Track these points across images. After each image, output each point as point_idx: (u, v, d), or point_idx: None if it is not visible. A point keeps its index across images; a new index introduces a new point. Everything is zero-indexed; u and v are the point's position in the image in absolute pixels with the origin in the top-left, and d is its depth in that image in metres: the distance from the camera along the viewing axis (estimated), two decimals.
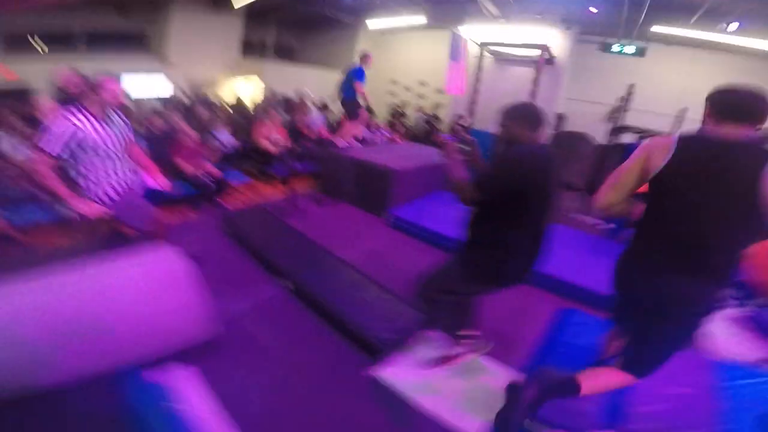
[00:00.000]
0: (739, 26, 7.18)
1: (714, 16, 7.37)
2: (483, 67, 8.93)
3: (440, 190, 5.97)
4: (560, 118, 10.24)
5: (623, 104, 8.30)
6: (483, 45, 8.92)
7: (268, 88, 9.17)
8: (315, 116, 8.16)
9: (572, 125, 10.47)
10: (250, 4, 7.45)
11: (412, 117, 11.62)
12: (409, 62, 12.59)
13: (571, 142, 10.12)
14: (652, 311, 1.56)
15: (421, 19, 10.55)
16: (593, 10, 8.12)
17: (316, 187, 5.77)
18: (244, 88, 11.11)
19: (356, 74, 5.94)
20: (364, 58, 6.05)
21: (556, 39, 9.08)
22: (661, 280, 1.53)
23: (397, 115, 11.42)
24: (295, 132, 6.65)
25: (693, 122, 6.85)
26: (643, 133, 7.68)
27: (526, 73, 8.51)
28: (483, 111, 9.03)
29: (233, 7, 7.31)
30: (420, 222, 4.49)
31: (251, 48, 13.03)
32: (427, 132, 10.17)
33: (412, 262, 3.28)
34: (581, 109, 10.15)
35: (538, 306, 3.30)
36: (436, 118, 10.74)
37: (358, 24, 12.14)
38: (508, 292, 2.07)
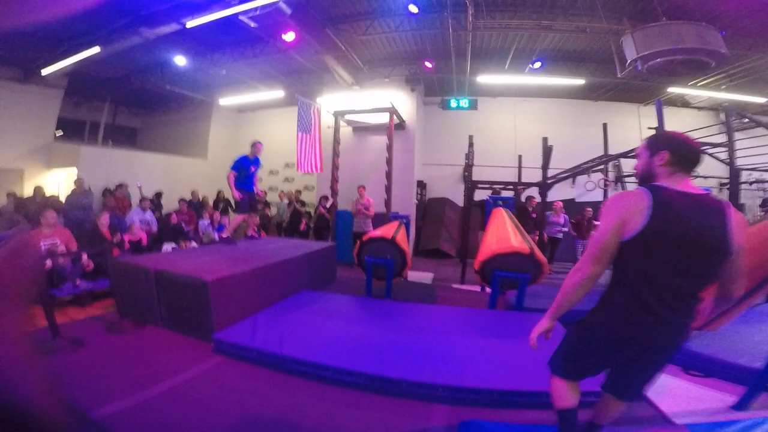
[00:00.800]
0: (541, 65, 8.03)
1: (522, 59, 8.32)
2: (340, 139, 8.62)
3: (309, 289, 5.06)
4: (421, 185, 10.35)
5: (469, 160, 8.65)
6: (337, 114, 8.71)
7: (80, 179, 7.41)
8: (138, 214, 6.77)
9: (433, 191, 10.72)
10: (76, 75, 6.08)
11: (278, 205, 10.51)
12: (273, 143, 11.98)
13: (438, 209, 10.28)
14: (653, 349, 1.67)
15: (278, 94, 10.16)
16: (428, 65, 8.54)
17: (113, 308, 4.28)
18: (60, 180, 9.05)
19: (237, 164, 5.62)
20: (253, 146, 5.76)
21: (403, 102, 9.37)
22: (669, 324, 1.62)
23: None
24: (95, 236, 5.14)
25: (527, 170, 7.11)
26: (494, 187, 7.97)
27: (383, 141, 8.43)
28: (346, 188, 8.57)
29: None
30: (257, 344, 3.31)
31: (77, 129, 11.09)
32: (293, 220, 9.19)
33: (237, 404, 2.51)
34: (438, 173, 10.47)
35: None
36: (301, 203, 9.92)
37: (211, 102, 11.23)
38: None
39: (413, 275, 6.87)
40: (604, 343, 1.74)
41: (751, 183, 8.61)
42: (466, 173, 8.93)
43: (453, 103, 9.73)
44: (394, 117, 8.35)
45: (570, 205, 8.78)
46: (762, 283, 2.45)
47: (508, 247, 4.30)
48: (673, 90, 9.18)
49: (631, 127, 9.69)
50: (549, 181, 7.26)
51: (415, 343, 3.39)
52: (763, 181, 8.65)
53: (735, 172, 7.21)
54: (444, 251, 9.61)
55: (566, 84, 9.05)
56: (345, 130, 9.28)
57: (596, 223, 7.96)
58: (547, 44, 8.12)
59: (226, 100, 11.04)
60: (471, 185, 7.49)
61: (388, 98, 8.87)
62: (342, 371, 2.91)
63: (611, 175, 8.84)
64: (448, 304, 5.00)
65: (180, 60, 8.14)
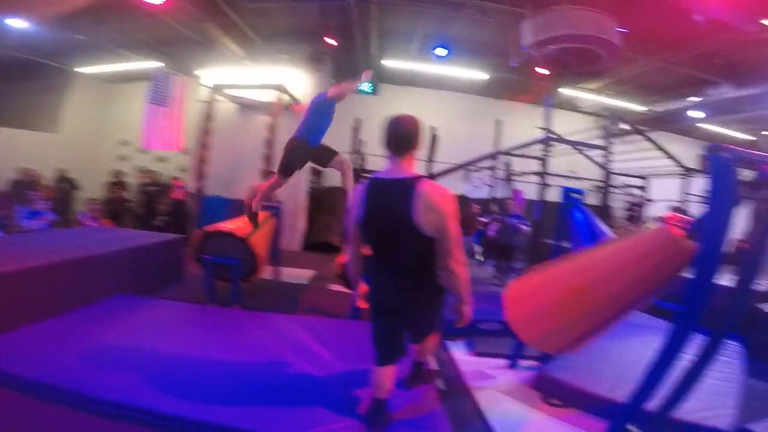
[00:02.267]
0: (448, 53, 7.56)
1: (429, 49, 7.75)
2: (215, 116, 7.23)
3: (132, 293, 3.83)
4: (317, 172, 9.34)
5: (355, 146, 7.96)
6: (216, 88, 7.31)
7: None
8: None
9: (332, 179, 9.77)
10: None
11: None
12: None
13: (333, 199, 9.36)
14: (403, 308, 1.95)
15: (153, 64, 8.38)
16: (330, 41, 7.61)
17: None
18: None
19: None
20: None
21: (304, 82, 8.30)
22: (399, 288, 1.89)
23: (114, 187, 8.40)
24: None
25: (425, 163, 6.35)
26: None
27: (277, 122, 7.26)
28: (224, 171, 7.25)
29: None
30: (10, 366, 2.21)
31: None
32: (148, 208, 7.55)
33: None
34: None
35: None
36: (160, 187, 8.21)
37: (68, 70, 9.06)
38: None
39: (290, 273, 5.90)
40: (380, 315, 1.98)
41: (621, 187, 9.15)
42: (359, 160, 8.19)
43: None
44: (285, 96, 7.29)
45: (462, 201, 8.52)
46: (629, 307, 1.99)
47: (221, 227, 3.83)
48: (564, 92, 9.40)
49: (524, 126, 9.75)
50: (433, 175, 6.80)
51: (239, 369, 2.58)
52: (629, 186, 9.18)
53: (608, 176, 7.56)
54: (336, 245, 8.75)
55: (469, 78, 8.79)
56: (227, 107, 7.99)
57: (482, 219, 7.87)
58: (455, 32, 7.66)
59: (89, 69, 9.07)
60: (355, 174, 6.74)
61: (287, 76, 7.79)
62: (124, 407, 2.04)
63: (502, 173, 8.73)
64: (312, 312, 4.20)
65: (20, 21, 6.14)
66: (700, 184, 10.32)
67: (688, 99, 8.75)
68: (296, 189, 8.19)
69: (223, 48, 7.51)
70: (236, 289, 4.06)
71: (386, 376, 2.02)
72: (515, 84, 9.48)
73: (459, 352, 3.56)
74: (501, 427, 2.39)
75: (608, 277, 2.01)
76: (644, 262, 1.87)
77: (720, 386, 2.78)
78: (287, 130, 7.81)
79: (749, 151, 1.67)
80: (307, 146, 3.51)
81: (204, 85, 7.43)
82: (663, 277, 1.84)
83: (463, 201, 8.33)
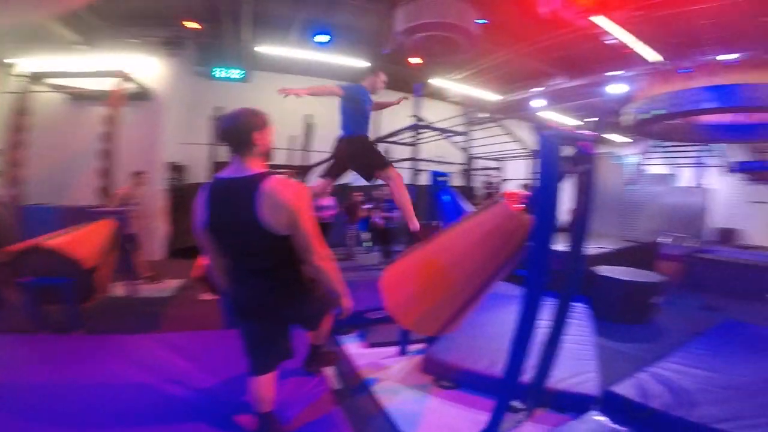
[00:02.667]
0: (330, 40, 7.32)
1: (309, 34, 7.38)
2: (39, 111, 5.82)
3: None
4: (178, 168, 8.28)
5: (216, 138, 7.31)
6: (36, 77, 5.88)
7: None
8: None
9: (198, 176, 8.78)
10: None
11: None
12: None
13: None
14: (266, 311, 1.80)
15: None
16: (192, 25, 6.71)
17: None
18: None
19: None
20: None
21: (158, 69, 7.18)
22: (256, 290, 1.76)
23: None
24: None
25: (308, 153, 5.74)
26: None
27: (117, 114, 6.07)
28: (51, 174, 5.91)
29: None
30: None
31: None
32: None
33: None
34: (204, 154, 8.50)
35: None
36: None
37: None
38: None
39: (151, 286, 5.08)
40: (247, 320, 1.82)
41: (481, 169, 10.10)
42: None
43: (219, 73, 8.03)
44: (129, 83, 6.19)
45: (345, 189, 8.43)
46: (490, 279, 2.05)
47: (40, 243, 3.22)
48: (435, 82, 9.85)
49: (401, 115, 10.06)
50: (311, 165, 6.57)
51: (88, 404, 2.13)
52: (488, 168, 10.18)
53: (470, 159, 8.28)
54: None
55: (351, 67, 8.63)
56: (51, 99, 6.52)
57: (365, 207, 7.95)
58: (337, 19, 7.37)
59: None
60: (215, 168, 6.17)
61: (135, 63, 6.60)
62: None
63: None
64: (178, 328, 3.58)
65: None
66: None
67: (533, 89, 9.88)
68: (152, 188, 7.11)
69: (49, 32, 6.06)
70: (74, 312, 3.30)
71: (265, 385, 1.84)
72: (392, 72, 9.64)
73: (351, 346, 3.48)
74: (399, 418, 2.37)
75: (465, 254, 2.08)
76: (494, 237, 1.97)
77: (579, 350, 3.06)
78: (144, 125, 6.90)
79: (569, 129, 1.86)
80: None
81: (17, 75, 5.91)
82: (511, 249, 1.94)
83: (347, 189, 8.28)
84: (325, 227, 7.15)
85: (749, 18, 4.78)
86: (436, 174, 4.87)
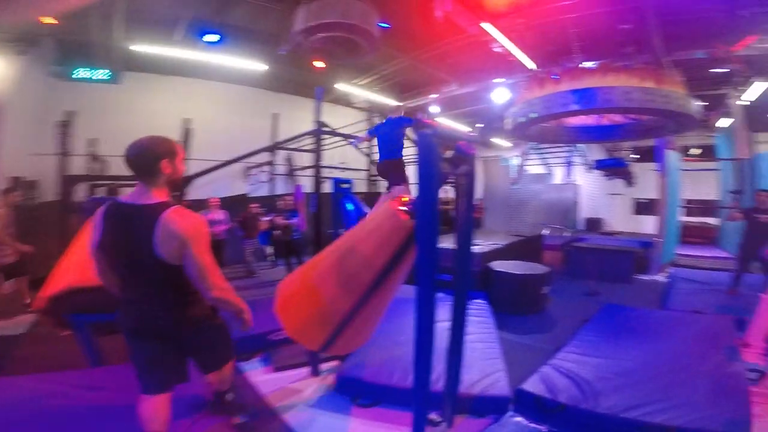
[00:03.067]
0: (220, 39, 6.62)
1: (197, 33, 6.55)
2: None
3: None
4: (24, 184, 6.71)
5: (64, 147, 6.24)
6: None
7: None
8: None
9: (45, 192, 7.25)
10: None
11: None
12: None
13: (50, 217, 6.89)
14: (160, 335, 1.75)
15: None
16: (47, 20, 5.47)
17: None
18: None
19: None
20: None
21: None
22: (150, 315, 1.72)
23: None
24: None
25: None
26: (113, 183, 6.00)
27: None
28: None
29: None
30: None
31: None
32: None
33: None
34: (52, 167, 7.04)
35: None
36: None
37: None
38: None
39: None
40: (130, 340, 1.75)
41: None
42: (94, 166, 6.36)
43: (82, 73, 6.70)
44: None
45: (244, 201, 7.75)
46: (386, 281, 1.94)
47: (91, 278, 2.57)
48: (340, 87, 9.58)
49: (305, 120, 9.62)
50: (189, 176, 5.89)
51: None
52: None
53: (372, 165, 8.25)
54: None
55: (246, 69, 7.90)
56: None
57: (264, 219, 7.40)
58: (232, 18, 6.64)
59: None
60: (66, 181, 5.22)
61: None
62: None
63: (283, 169, 8.39)
64: (32, 369, 2.81)
65: None
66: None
67: (430, 95, 10.23)
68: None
69: None
70: None
71: (156, 407, 1.74)
72: (294, 77, 9.15)
73: (255, 373, 3.09)
74: None
75: (344, 260, 1.99)
76: (375, 239, 1.91)
77: (486, 349, 3.08)
78: None
79: (448, 129, 1.80)
80: None
81: None
82: (391, 250, 1.87)
83: (244, 201, 7.61)
84: (217, 245, 6.44)
85: (609, 26, 5.52)
86: (337, 181, 4.67)
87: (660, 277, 6.47)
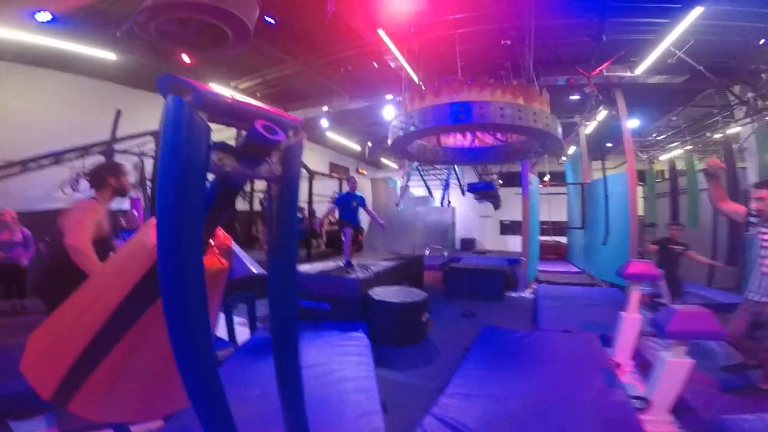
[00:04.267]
0: (54, 20, 4.94)
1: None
2: None
3: None
4: None
5: None
6: None
7: None
8: None
9: None
10: None
11: None
12: None
13: None
14: None
15: None
16: None
17: None
18: None
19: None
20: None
21: None
22: None
23: None
24: None
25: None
26: None
27: None
28: None
29: None
30: None
31: None
32: None
33: None
34: None
35: None
36: None
37: None
38: None
39: None
40: None
41: (262, 191, 9.09)
42: None
43: None
44: None
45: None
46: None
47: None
48: (215, 88, 8.16)
49: (151, 118, 8.03)
50: None
51: None
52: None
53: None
54: None
55: (84, 55, 6.14)
56: None
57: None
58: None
59: None
60: None
61: None
62: None
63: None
64: None
65: None
66: (328, 187, 12.15)
67: (321, 108, 9.30)
68: None
69: None
70: None
71: None
72: (156, 72, 7.47)
73: None
74: None
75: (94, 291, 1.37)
76: (122, 273, 1.26)
77: (363, 401, 2.48)
78: None
79: (232, 98, 1.04)
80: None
81: None
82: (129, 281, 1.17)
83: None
84: (13, 272, 4.66)
85: (492, 44, 5.60)
86: None
87: (527, 294, 6.73)
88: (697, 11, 4.61)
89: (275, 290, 1.22)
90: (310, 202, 9.03)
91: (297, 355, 1.29)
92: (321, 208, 12.36)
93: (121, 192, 2.43)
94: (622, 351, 3.12)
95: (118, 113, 6.90)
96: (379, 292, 4.31)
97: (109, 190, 2.37)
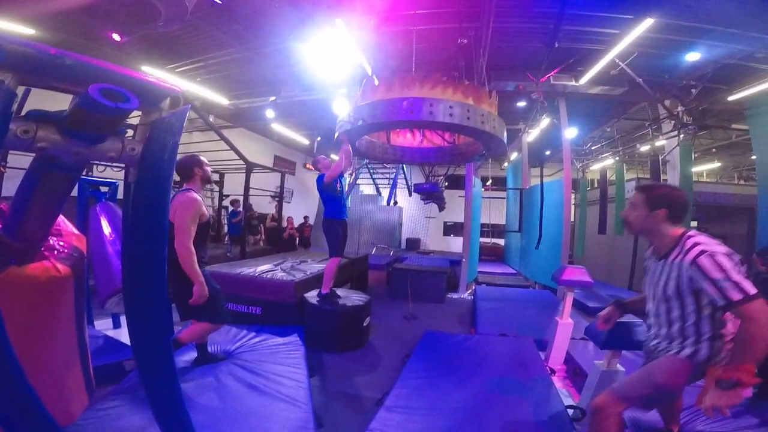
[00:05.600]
0: None
1: None
2: None
3: None
4: None
5: None
6: None
7: None
8: None
9: None
10: None
11: None
12: None
13: None
14: None
15: None
16: None
17: None
18: None
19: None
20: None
21: None
22: None
23: None
24: None
25: None
26: None
27: None
28: None
29: None
30: None
31: None
32: None
33: None
34: None
35: None
36: None
37: None
38: None
39: None
40: None
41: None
42: None
43: None
44: None
45: None
46: None
47: None
48: (150, 71, 7.26)
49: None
50: None
51: None
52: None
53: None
54: None
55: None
56: None
57: None
58: None
59: None
60: None
61: None
62: None
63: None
64: None
65: None
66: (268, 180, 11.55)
67: (267, 98, 8.67)
68: None
69: None
70: None
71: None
72: (84, 50, 6.49)
73: None
74: None
75: None
76: None
77: (292, 400, 2.26)
78: None
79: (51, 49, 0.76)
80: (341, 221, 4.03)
81: None
82: None
83: None
84: None
85: (449, 43, 5.51)
86: (88, 182, 3.20)
87: (467, 296, 6.81)
88: (647, 23, 4.80)
89: (133, 314, 0.94)
90: (246, 197, 8.46)
91: (176, 388, 1.02)
92: (261, 202, 11.75)
93: (206, 179, 2.63)
94: (555, 356, 3.15)
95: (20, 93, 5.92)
96: (317, 296, 4.05)
97: (198, 178, 2.54)
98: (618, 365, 2.19)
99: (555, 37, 5.08)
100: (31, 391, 0.82)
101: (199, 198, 2.45)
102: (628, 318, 2.13)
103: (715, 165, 12.50)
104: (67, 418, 1.54)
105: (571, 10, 4.84)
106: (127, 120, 0.85)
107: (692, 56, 5.97)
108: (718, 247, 1.38)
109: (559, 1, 4.57)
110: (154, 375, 1.00)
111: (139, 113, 0.89)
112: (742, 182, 12.64)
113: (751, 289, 1.29)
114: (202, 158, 2.65)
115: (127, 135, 0.85)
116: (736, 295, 1.29)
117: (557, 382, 2.90)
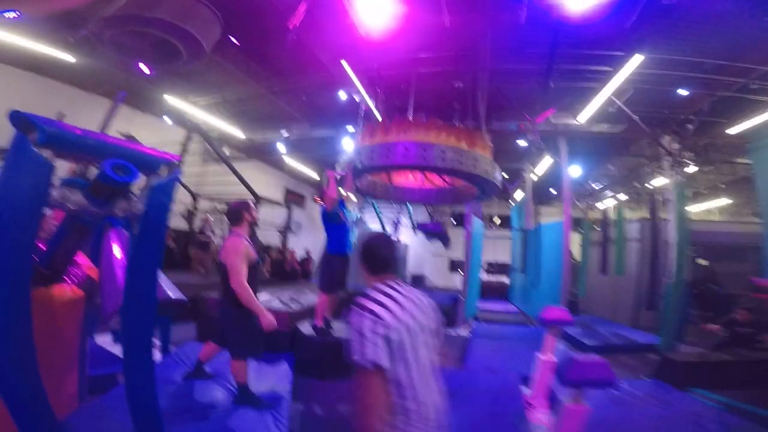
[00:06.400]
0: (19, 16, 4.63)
1: None
2: None
3: None
4: None
5: None
6: None
7: None
8: None
9: None
10: None
11: None
12: None
13: None
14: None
15: None
16: None
17: None
18: None
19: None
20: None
21: None
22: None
23: None
24: None
25: None
26: None
27: None
28: None
29: None
30: None
31: None
32: None
33: None
34: None
35: None
36: None
37: None
38: None
39: None
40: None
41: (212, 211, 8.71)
42: None
43: None
44: None
45: None
46: None
47: None
48: (173, 102, 7.85)
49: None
50: None
51: None
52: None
53: (195, 198, 6.85)
54: None
55: (41, 54, 5.81)
56: None
57: None
58: None
59: None
60: None
61: None
62: None
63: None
64: None
65: None
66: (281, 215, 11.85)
67: (279, 132, 9.21)
68: None
69: None
70: None
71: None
72: (110, 76, 7.15)
73: None
74: None
75: None
76: None
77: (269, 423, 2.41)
78: None
79: (77, 130, 1.03)
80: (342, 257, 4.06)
81: None
82: None
83: None
84: None
85: (447, 85, 5.85)
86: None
87: (463, 332, 6.79)
88: (638, 59, 4.91)
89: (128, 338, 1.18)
90: (252, 231, 8.74)
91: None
92: (269, 233, 12.00)
93: (254, 224, 2.89)
94: (537, 391, 3.19)
95: (59, 115, 6.49)
96: (309, 327, 4.19)
97: (246, 224, 2.72)
98: (582, 402, 2.26)
99: (549, 76, 5.23)
100: (42, 385, 1.03)
101: (246, 242, 2.63)
102: (589, 356, 2.24)
103: (725, 202, 12.10)
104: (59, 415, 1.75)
105: (562, 50, 5.01)
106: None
107: (683, 91, 6.04)
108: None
109: (550, 41, 4.76)
110: (135, 378, 1.20)
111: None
112: (756, 219, 12.27)
113: None
114: (251, 204, 2.84)
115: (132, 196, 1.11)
116: None
117: (537, 416, 2.93)
